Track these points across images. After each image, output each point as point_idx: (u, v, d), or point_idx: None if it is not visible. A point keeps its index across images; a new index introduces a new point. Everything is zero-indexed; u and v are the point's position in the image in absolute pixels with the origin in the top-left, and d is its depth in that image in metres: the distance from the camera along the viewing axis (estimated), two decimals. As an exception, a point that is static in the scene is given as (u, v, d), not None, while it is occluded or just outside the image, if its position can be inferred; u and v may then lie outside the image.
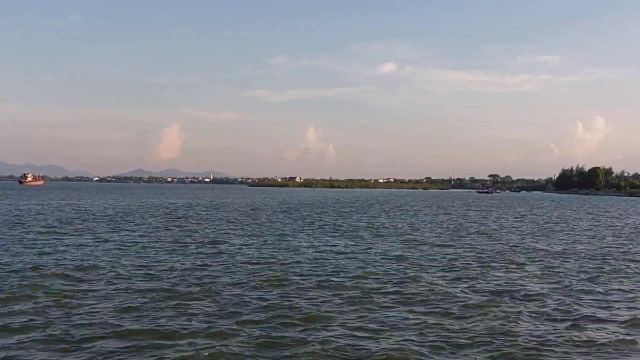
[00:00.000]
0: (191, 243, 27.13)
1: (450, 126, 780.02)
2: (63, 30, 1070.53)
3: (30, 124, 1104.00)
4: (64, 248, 24.37)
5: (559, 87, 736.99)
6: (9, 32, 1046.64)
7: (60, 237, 28.78)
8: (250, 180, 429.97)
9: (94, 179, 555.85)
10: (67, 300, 14.16)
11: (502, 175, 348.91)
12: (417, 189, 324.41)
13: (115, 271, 18.39)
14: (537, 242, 30.53)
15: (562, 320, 13.03)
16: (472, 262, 22.11)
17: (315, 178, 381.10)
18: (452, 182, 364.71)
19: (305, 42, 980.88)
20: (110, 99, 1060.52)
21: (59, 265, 19.58)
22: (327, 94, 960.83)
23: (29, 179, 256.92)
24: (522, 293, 15.89)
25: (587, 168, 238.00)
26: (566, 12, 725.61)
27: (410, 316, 13.07)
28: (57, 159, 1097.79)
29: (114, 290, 15.54)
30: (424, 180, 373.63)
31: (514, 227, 42.24)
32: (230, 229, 36.08)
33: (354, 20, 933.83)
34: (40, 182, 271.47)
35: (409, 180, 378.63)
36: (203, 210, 58.80)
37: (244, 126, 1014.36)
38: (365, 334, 11.62)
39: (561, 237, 34.11)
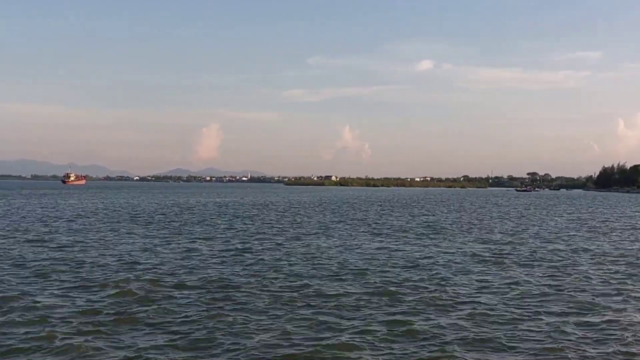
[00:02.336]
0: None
1: (488, 124, 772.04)
2: (105, 33, 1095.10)
3: (73, 126, 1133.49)
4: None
5: (600, 84, 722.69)
6: (53, 35, 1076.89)
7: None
8: (286, 179, 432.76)
9: (135, 178, 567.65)
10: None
11: (541, 173, 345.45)
12: (454, 187, 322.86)
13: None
14: None
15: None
16: None
17: (351, 177, 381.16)
18: (490, 181, 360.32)
19: (341, 41, 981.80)
20: (150, 100, 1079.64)
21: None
22: (363, 92, 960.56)
23: (72, 178, 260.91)
24: None
25: (628, 166, 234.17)
26: (607, 7, 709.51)
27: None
28: (99, 159, 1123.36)
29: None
30: (461, 179, 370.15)
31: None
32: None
33: (389, 19, 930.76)
34: (83, 182, 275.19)
35: (445, 179, 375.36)
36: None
37: (280, 126, 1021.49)
38: None
39: None
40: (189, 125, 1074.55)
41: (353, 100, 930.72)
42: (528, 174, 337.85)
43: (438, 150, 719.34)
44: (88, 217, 42.99)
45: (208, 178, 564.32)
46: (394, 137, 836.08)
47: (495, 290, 15.98)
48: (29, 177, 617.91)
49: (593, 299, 14.82)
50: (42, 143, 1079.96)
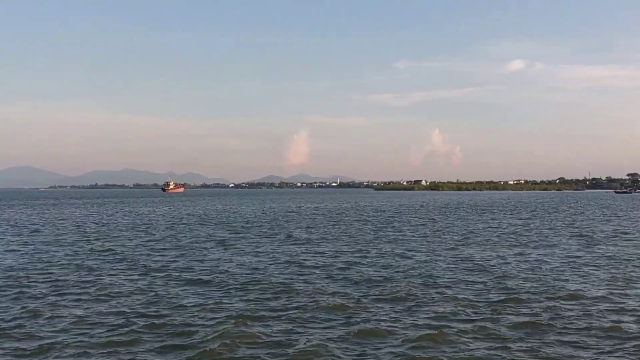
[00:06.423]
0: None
1: (585, 123, 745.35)
2: (203, 46, 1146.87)
3: (171, 136, 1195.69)
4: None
5: None
6: (153, 50, 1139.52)
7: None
8: (376, 184, 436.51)
9: (230, 185, 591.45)
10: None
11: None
12: (549, 190, 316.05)
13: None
14: None
15: None
16: None
17: (442, 181, 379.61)
18: (587, 183, 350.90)
19: (429, 43, 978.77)
20: (243, 109, 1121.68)
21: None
22: (452, 95, 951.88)
23: (171, 186, 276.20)
24: None
25: None
26: None
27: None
28: (195, 167, 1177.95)
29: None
30: (557, 181, 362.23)
31: None
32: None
33: (477, 20, 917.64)
34: (182, 190, 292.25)
35: (540, 182, 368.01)
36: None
37: (368, 130, 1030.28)
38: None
39: None
40: (280, 133, 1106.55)
41: (442, 103, 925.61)
42: (628, 174, 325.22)
43: (532, 151, 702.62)
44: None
45: (299, 184, 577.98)
46: (485, 140, 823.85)
47: None
48: (132, 185, 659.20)
49: None
50: (142, 153, 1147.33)
